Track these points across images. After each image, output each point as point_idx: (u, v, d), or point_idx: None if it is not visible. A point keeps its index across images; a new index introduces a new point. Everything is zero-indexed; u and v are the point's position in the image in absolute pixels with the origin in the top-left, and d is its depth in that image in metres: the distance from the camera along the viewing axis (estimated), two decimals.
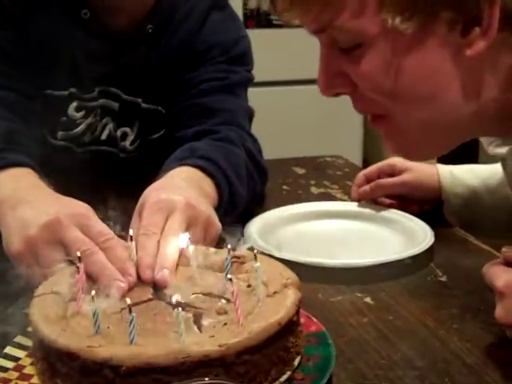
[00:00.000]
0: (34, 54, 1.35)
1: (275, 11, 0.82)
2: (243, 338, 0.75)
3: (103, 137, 1.46)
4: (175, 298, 0.82)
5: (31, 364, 0.82)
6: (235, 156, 1.27)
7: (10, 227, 1.00)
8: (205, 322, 0.81)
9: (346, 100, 0.91)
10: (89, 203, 1.01)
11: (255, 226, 1.25)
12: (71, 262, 0.90)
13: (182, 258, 0.93)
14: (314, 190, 1.55)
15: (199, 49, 1.43)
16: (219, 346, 0.73)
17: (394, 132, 0.87)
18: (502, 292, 0.80)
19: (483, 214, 1.28)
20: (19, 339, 0.86)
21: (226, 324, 0.80)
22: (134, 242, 0.94)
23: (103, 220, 0.98)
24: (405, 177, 1.34)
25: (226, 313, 0.82)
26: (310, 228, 1.32)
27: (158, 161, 1.23)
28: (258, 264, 0.86)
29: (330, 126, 2.75)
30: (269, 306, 0.81)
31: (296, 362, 0.82)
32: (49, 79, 1.38)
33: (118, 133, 1.46)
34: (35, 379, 0.79)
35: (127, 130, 1.47)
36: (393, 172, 1.35)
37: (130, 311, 0.75)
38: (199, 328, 0.80)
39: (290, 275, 0.88)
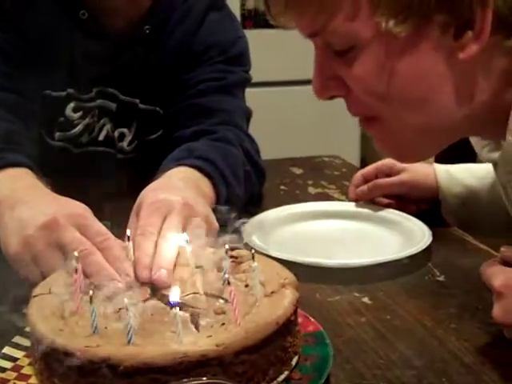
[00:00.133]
0: (32, 54, 1.35)
1: (270, 14, 0.82)
2: (241, 337, 0.75)
3: (101, 137, 1.46)
4: (173, 298, 0.82)
5: (29, 364, 0.82)
6: (233, 156, 1.28)
7: (7, 227, 0.99)
8: (202, 321, 0.81)
9: (343, 100, 0.91)
10: (86, 203, 1.01)
11: (253, 226, 1.25)
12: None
13: (180, 258, 0.93)
14: (311, 190, 1.55)
15: (197, 49, 1.43)
16: (217, 345, 0.73)
17: (386, 134, 0.87)
18: (500, 291, 0.80)
19: (481, 213, 1.28)
20: (17, 339, 0.87)
21: (223, 324, 0.80)
22: (131, 242, 0.94)
23: (100, 220, 0.98)
24: (402, 177, 1.34)
25: (223, 313, 0.82)
26: (307, 228, 1.32)
27: (155, 161, 1.23)
28: (256, 264, 0.86)
29: (328, 126, 2.75)
30: (266, 306, 0.81)
31: (294, 362, 0.82)
32: (47, 80, 1.37)
33: (116, 133, 1.46)
34: (33, 379, 0.79)
35: (125, 130, 1.47)
36: (390, 172, 1.35)
37: (128, 311, 0.75)
38: (197, 328, 0.80)
39: (287, 275, 0.88)
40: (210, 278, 0.89)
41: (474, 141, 0.98)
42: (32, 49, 1.35)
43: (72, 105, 1.41)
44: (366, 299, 1.03)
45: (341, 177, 1.64)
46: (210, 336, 0.76)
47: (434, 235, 1.20)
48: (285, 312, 0.80)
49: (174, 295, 0.79)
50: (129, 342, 0.75)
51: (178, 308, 0.76)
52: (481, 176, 1.27)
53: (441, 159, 1.32)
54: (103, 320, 0.80)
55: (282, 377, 0.79)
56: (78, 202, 1.01)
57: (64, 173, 1.31)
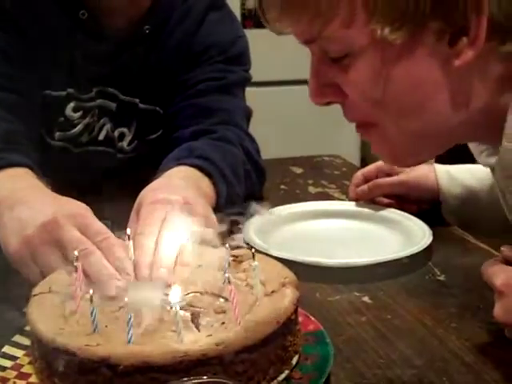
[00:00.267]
0: (32, 54, 1.35)
1: (265, 20, 0.82)
2: (241, 336, 0.75)
3: (101, 137, 1.46)
4: (173, 297, 0.82)
5: (29, 363, 0.82)
6: (233, 156, 1.28)
7: (7, 227, 0.99)
8: (202, 320, 0.80)
9: None
10: (86, 203, 1.01)
11: (253, 225, 1.25)
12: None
13: (180, 257, 0.93)
14: (311, 189, 1.55)
15: (197, 49, 1.43)
16: (217, 344, 0.73)
17: (382, 140, 0.87)
18: (501, 291, 0.80)
19: (481, 213, 1.29)
20: (17, 338, 0.87)
21: (223, 323, 0.79)
22: (131, 242, 0.94)
23: (100, 220, 0.98)
24: (403, 176, 1.34)
25: (223, 312, 0.82)
26: (307, 227, 1.32)
27: (155, 161, 1.23)
28: (256, 263, 0.86)
29: (328, 126, 2.74)
30: (267, 305, 0.81)
31: (294, 361, 0.82)
32: (47, 80, 1.37)
33: (116, 133, 1.46)
34: (33, 378, 0.79)
35: (125, 130, 1.46)
36: (391, 171, 1.35)
37: (128, 310, 0.75)
38: (197, 327, 0.79)
39: (287, 274, 0.88)
40: (210, 277, 0.89)
41: (472, 146, 0.98)
42: (32, 49, 1.35)
43: (72, 104, 1.41)
44: (366, 298, 1.03)
45: (341, 176, 1.64)
46: (210, 335, 0.76)
47: (434, 235, 1.20)
48: (285, 311, 0.80)
49: (175, 294, 0.79)
50: (129, 341, 0.75)
51: (178, 307, 0.76)
52: (481, 177, 1.27)
53: (441, 159, 1.32)
54: (103, 319, 0.80)
55: (283, 376, 0.79)
56: (78, 202, 1.01)
57: (64, 172, 1.31)
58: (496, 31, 0.77)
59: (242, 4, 3.02)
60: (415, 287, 1.07)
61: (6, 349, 0.85)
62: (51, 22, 1.36)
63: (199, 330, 0.79)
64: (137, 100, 1.44)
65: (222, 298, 0.85)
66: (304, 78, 0.86)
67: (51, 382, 0.77)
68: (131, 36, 1.40)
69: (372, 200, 1.37)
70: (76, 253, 0.87)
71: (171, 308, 0.77)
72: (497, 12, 0.76)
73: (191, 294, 0.87)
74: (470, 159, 1.07)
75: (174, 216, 0.98)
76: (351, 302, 1.02)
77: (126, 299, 0.77)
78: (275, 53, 2.67)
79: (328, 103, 0.87)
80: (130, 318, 0.75)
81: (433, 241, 1.18)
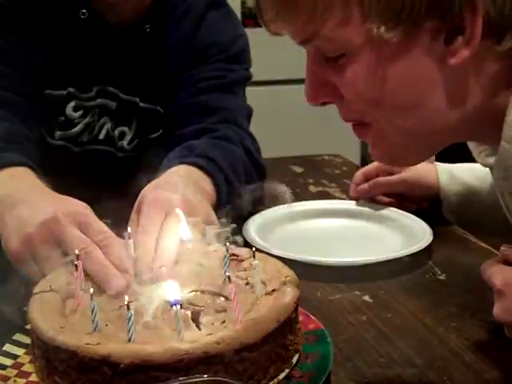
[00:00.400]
0: (32, 53, 1.35)
1: (262, 21, 0.82)
2: (242, 335, 0.75)
3: (101, 136, 1.45)
4: (173, 296, 0.82)
5: (30, 361, 0.82)
6: (233, 154, 1.27)
7: (8, 226, 0.99)
8: (203, 319, 0.81)
9: None
10: (87, 202, 1.01)
11: (254, 224, 1.25)
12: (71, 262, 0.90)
13: (181, 256, 0.93)
14: (312, 188, 1.55)
15: (197, 48, 1.43)
16: (217, 343, 0.73)
17: (379, 139, 0.87)
18: (501, 290, 0.80)
19: (481, 212, 1.28)
20: (18, 337, 0.87)
21: (224, 322, 0.80)
22: (132, 240, 0.94)
23: (101, 218, 0.98)
24: (403, 175, 1.34)
25: (224, 310, 0.82)
26: (308, 226, 1.32)
27: (156, 160, 1.23)
28: (257, 262, 0.86)
29: (328, 125, 2.74)
30: (267, 304, 0.81)
31: (294, 360, 0.82)
32: (47, 79, 1.37)
33: (116, 132, 1.46)
34: (34, 377, 0.80)
35: (125, 129, 1.46)
36: (391, 170, 1.35)
37: (129, 309, 0.75)
38: (197, 325, 0.80)
39: (288, 273, 0.88)
40: (210, 276, 0.89)
41: (472, 145, 0.98)
42: (32, 48, 1.35)
43: (72, 104, 1.41)
44: (366, 297, 1.03)
45: (341, 175, 1.64)
46: (211, 334, 0.76)
47: (434, 234, 1.20)
48: (286, 310, 0.81)
49: (175, 293, 0.79)
50: (129, 339, 0.75)
51: (178, 306, 0.76)
52: (481, 176, 1.27)
53: (441, 158, 1.32)
54: (104, 317, 0.80)
55: (283, 375, 0.79)
56: (78, 201, 1.01)
57: (64, 172, 1.31)
58: (492, 30, 0.77)
59: (243, 3, 3.02)
60: (416, 286, 1.07)
61: (7, 347, 0.85)
62: (51, 22, 1.36)
63: (200, 329, 0.79)
64: (137, 99, 1.44)
65: (223, 296, 0.85)
66: (304, 78, 0.86)
67: (51, 381, 0.77)
68: (131, 35, 1.40)
69: (372, 199, 1.37)
70: (76, 251, 0.88)
71: (172, 307, 0.77)
72: (492, 11, 0.76)
73: (192, 293, 0.87)
74: (471, 158, 1.07)
75: (175, 215, 0.98)
76: (352, 300, 1.02)
77: (126, 298, 0.77)
78: (276, 52, 2.66)
79: (324, 103, 0.87)
80: (130, 317, 0.75)
81: (433, 240, 1.18)
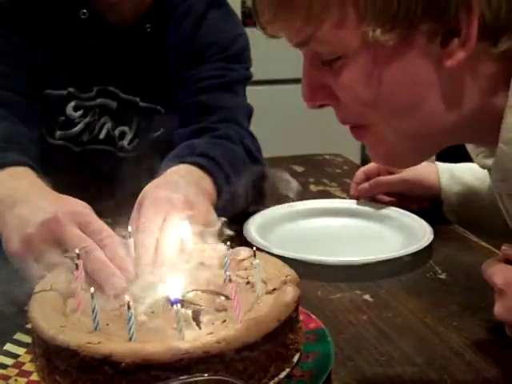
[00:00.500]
0: (32, 53, 1.35)
1: (259, 24, 0.82)
2: (242, 334, 0.75)
3: (101, 136, 1.45)
4: (174, 295, 0.82)
5: (30, 361, 0.82)
6: (234, 154, 1.27)
7: (8, 226, 0.99)
8: (204, 318, 0.81)
9: None
10: (87, 201, 1.01)
11: (254, 223, 1.25)
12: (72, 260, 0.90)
13: (181, 255, 0.93)
14: (312, 187, 1.55)
15: (197, 47, 1.43)
16: (218, 342, 0.73)
17: (376, 141, 0.87)
18: (502, 290, 0.80)
19: (482, 212, 1.28)
20: (19, 336, 0.87)
21: (225, 321, 0.80)
22: (132, 240, 0.94)
23: (101, 218, 0.98)
24: (404, 175, 1.34)
25: (225, 310, 0.82)
26: (309, 225, 1.32)
27: (156, 159, 1.23)
28: (257, 261, 0.86)
29: (329, 125, 2.73)
30: (268, 303, 0.81)
31: (295, 359, 0.82)
32: (47, 79, 1.37)
33: (116, 132, 1.46)
34: (34, 376, 0.80)
35: (125, 128, 1.46)
36: (392, 169, 1.35)
37: (129, 308, 0.75)
38: (198, 325, 0.80)
39: (289, 272, 0.88)
40: (211, 275, 0.89)
41: (470, 147, 0.98)
42: (32, 48, 1.35)
43: (73, 104, 1.41)
44: (367, 297, 1.03)
45: (342, 175, 1.64)
46: (212, 333, 0.76)
47: (435, 233, 1.20)
48: (286, 309, 0.81)
49: (176, 292, 0.79)
50: (130, 338, 0.75)
51: (179, 305, 0.76)
52: (482, 176, 1.27)
53: (442, 158, 1.32)
54: (104, 317, 0.80)
55: (284, 374, 0.79)
56: (78, 200, 1.01)
57: (65, 171, 1.31)
58: (488, 32, 0.77)
59: (243, 2, 3.01)
60: (416, 285, 1.07)
61: (8, 346, 0.85)
62: (52, 21, 1.36)
63: (200, 328, 0.79)
64: (137, 98, 1.44)
65: (223, 296, 0.85)
66: None
67: (52, 380, 0.77)
68: (132, 35, 1.40)
69: (373, 198, 1.38)
70: (77, 251, 0.88)
71: (172, 306, 0.77)
72: (488, 13, 0.76)
73: (192, 292, 0.87)
74: (472, 159, 1.07)
75: (175, 214, 0.98)
76: (352, 300, 1.02)
77: (126, 297, 0.77)
78: (276, 51, 2.65)
79: (321, 106, 0.87)
80: (130, 316, 0.75)
81: (434, 239, 1.18)
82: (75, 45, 1.38)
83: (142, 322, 0.79)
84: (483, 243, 1.21)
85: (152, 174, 1.12)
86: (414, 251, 1.14)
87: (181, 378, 0.65)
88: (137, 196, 1.04)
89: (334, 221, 1.33)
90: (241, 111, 1.42)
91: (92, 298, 0.78)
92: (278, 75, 3.03)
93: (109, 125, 1.45)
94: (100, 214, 0.99)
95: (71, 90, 1.40)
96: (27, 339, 0.85)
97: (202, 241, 0.97)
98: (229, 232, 0.98)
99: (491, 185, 0.97)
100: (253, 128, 1.46)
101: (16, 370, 0.81)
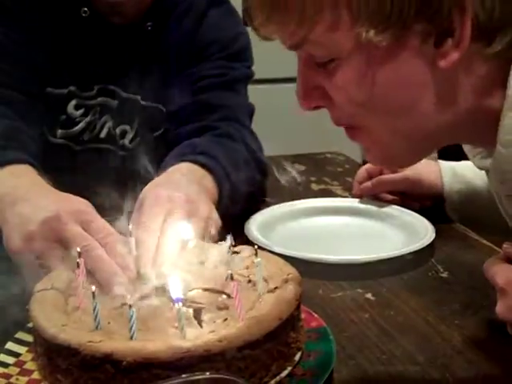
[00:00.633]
0: (33, 52, 1.35)
1: (252, 26, 0.82)
2: (244, 333, 0.75)
3: (102, 135, 1.45)
4: (175, 294, 0.82)
5: (32, 359, 0.82)
6: (235, 152, 1.27)
7: (9, 224, 0.99)
8: (205, 317, 0.81)
9: None
10: (88, 200, 1.01)
11: (256, 222, 1.25)
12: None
13: (182, 254, 0.93)
14: (314, 186, 1.55)
15: (198, 45, 1.43)
16: (220, 341, 0.73)
17: (371, 142, 0.87)
18: (503, 289, 0.80)
19: (484, 211, 1.28)
20: (20, 335, 0.87)
21: (226, 319, 0.80)
22: (133, 238, 0.94)
23: (103, 216, 0.98)
24: (406, 173, 1.34)
25: (226, 308, 0.82)
26: (310, 224, 1.32)
27: (157, 158, 1.23)
28: (259, 259, 0.86)
29: (330, 123, 2.74)
30: (269, 302, 0.81)
31: (297, 358, 0.81)
32: (48, 77, 1.37)
33: (118, 131, 1.46)
34: (36, 375, 0.80)
35: (126, 127, 1.46)
36: (394, 168, 1.35)
37: (130, 306, 0.75)
38: (199, 323, 0.80)
39: (290, 271, 0.88)
40: (212, 274, 0.89)
41: (467, 148, 0.98)
42: (33, 46, 1.35)
43: (74, 102, 1.41)
44: (369, 295, 1.03)
45: (344, 173, 1.64)
46: (213, 331, 0.76)
47: (437, 231, 1.19)
48: (288, 307, 0.80)
49: (177, 291, 0.79)
50: (131, 337, 0.75)
51: (180, 303, 0.76)
52: (483, 174, 1.27)
53: (444, 156, 1.32)
54: (106, 315, 0.80)
55: (285, 372, 0.79)
56: (80, 198, 1.01)
57: (65, 170, 1.31)
58: (481, 32, 0.76)
59: (244, 0, 3.01)
60: (418, 284, 1.07)
61: (9, 345, 0.85)
62: (53, 20, 1.36)
63: (202, 327, 0.79)
64: (138, 97, 1.44)
65: (225, 294, 0.85)
66: None
67: (54, 379, 0.77)
68: (133, 33, 1.40)
69: (375, 196, 1.37)
70: (78, 249, 0.87)
71: (174, 304, 0.77)
72: (481, 14, 0.75)
73: (194, 291, 0.87)
74: None
75: (177, 213, 0.98)
76: (354, 298, 1.02)
77: (128, 296, 0.77)
78: (277, 50, 2.65)
79: (315, 108, 0.87)
80: (132, 315, 0.75)
81: (436, 238, 1.18)
82: (76, 43, 1.37)
83: (144, 320, 0.79)
84: (485, 241, 1.21)
85: (153, 173, 1.12)
86: (415, 250, 1.14)
87: (182, 376, 0.65)
88: (138, 194, 1.04)
89: (336, 219, 1.33)
90: (242, 110, 1.42)
91: (93, 296, 0.78)
92: (279, 74, 3.02)
93: (110, 124, 1.45)
94: (101, 213, 0.99)
95: (72, 88, 1.40)
96: (28, 338, 0.85)
97: (203, 239, 0.97)
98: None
99: (489, 186, 0.97)
100: (254, 127, 1.46)
101: (17, 369, 0.81)
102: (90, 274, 0.88)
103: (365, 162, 1.50)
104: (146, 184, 1.06)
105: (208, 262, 0.92)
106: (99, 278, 0.88)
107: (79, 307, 0.83)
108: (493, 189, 0.92)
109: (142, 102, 1.44)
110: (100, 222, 0.96)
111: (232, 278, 0.81)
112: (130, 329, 0.75)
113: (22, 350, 0.84)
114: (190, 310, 0.81)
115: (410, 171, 1.33)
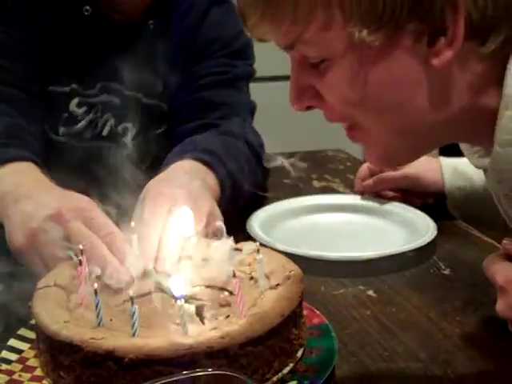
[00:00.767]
0: (35, 49, 1.35)
1: (246, 26, 0.82)
2: (246, 329, 0.75)
3: (104, 132, 1.45)
4: (177, 291, 0.82)
5: (34, 356, 0.82)
6: (237, 149, 1.28)
7: (12, 221, 1.00)
8: (207, 313, 0.81)
9: None
10: (90, 198, 1.01)
11: (257, 219, 1.25)
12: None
13: (184, 251, 0.93)
14: (315, 183, 1.55)
15: (200, 43, 1.43)
16: (222, 337, 0.73)
17: (368, 140, 0.87)
18: (503, 287, 0.80)
19: (485, 207, 1.28)
20: (22, 332, 0.87)
21: (228, 316, 0.80)
22: (136, 235, 0.94)
23: (105, 214, 0.98)
24: (407, 170, 1.34)
25: (228, 305, 0.82)
26: (312, 221, 1.32)
27: (160, 156, 1.23)
28: (261, 256, 0.86)
29: None
30: (271, 298, 0.81)
31: (299, 354, 0.82)
32: (50, 75, 1.37)
33: (119, 128, 1.46)
34: (38, 371, 0.80)
35: (128, 125, 1.46)
36: None
37: (133, 303, 0.75)
38: (202, 320, 0.80)
39: (292, 268, 0.88)
40: (214, 271, 0.89)
41: (464, 147, 0.98)
42: (35, 44, 1.35)
43: (76, 100, 1.41)
44: (370, 292, 1.03)
45: (345, 170, 1.64)
46: (215, 328, 0.76)
47: (438, 228, 1.19)
48: (290, 304, 0.80)
49: (179, 288, 0.79)
50: (134, 334, 0.75)
51: (182, 300, 0.76)
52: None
53: (445, 152, 1.32)
54: (108, 312, 0.80)
55: (288, 369, 0.79)
56: (82, 196, 1.02)
57: (68, 167, 1.31)
58: (475, 31, 0.76)
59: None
60: (420, 281, 1.07)
61: (12, 342, 0.85)
62: (55, 18, 1.36)
63: (204, 323, 0.79)
64: (140, 95, 1.44)
65: (227, 291, 0.86)
66: None
67: (56, 376, 0.77)
68: (135, 31, 1.40)
69: (377, 193, 1.37)
70: (80, 246, 0.88)
71: (176, 301, 0.77)
72: (474, 12, 0.75)
73: (196, 287, 0.87)
74: None
75: (179, 209, 0.98)
76: (356, 295, 1.02)
77: (130, 292, 0.77)
78: (279, 48, 2.65)
79: (308, 108, 0.87)
80: (134, 312, 0.75)
81: (437, 235, 1.18)
82: (78, 41, 1.37)
83: (146, 317, 0.79)
84: (487, 239, 1.21)
85: (155, 170, 1.12)
86: (417, 247, 1.14)
87: (184, 373, 0.65)
88: (140, 191, 1.04)
89: (337, 216, 1.33)
90: (244, 107, 1.42)
91: (95, 293, 0.78)
92: (280, 72, 3.02)
93: (112, 121, 1.45)
94: (103, 210, 0.99)
95: (74, 86, 1.40)
96: (31, 335, 0.85)
97: (204, 236, 0.97)
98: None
99: (488, 184, 0.97)
100: (255, 124, 1.46)
101: (20, 366, 0.81)
102: (93, 270, 0.88)
103: (366, 159, 1.50)
104: (147, 181, 1.06)
105: (210, 259, 0.92)
106: (101, 275, 0.88)
107: (81, 304, 0.83)
108: (491, 188, 0.91)
109: (144, 100, 1.44)
110: (102, 219, 0.97)
111: (234, 275, 0.81)
112: (133, 325, 0.75)
113: (24, 346, 0.85)
114: (192, 307, 0.82)
115: (411, 169, 1.33)
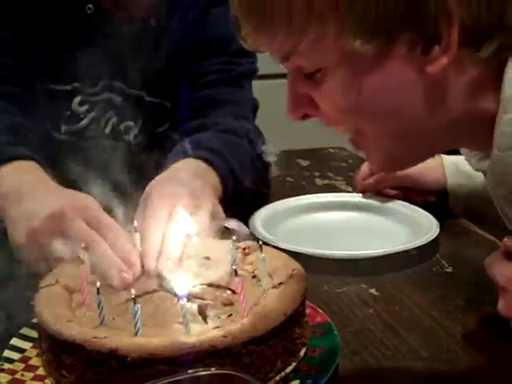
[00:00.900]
0: (37, 48, 1.35)
1: (240, 37, 0.82)
2: (248, 328, 0.75)
3: (107, 131, 1.45)
4: (180, 290, 0.82)
5: (37, 355, 0.82)
6: (239, 148, 1.27)
7: (14, 219, 1.00)
8: (210, 312, 0.81)
9: None
10: (93, 196, 1.01)
11: (260, 217, 1.25)
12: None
13: (187, 249, 0.93)
14: (318, 181, 1.55)
15: (202, 41, 1.42)
16: (224, 336, 0.73)
17: (370, 148, 0.87)
18: (504, 287, 0.80)
19: (487, 206, 1.28)
20: (25, 331, 0.87)
21: (231, 315, 0.80)
22: (138, 234, 0.94)
23: (107, 212, 0.98)
24: (409, 169, 1.33)
25: (231, 304, 0.82)
26: (314, 219, 1.32)
27: (162, 154, 1.23)
28: (263, 255, 0.86)
29: None
30: (274, 297, 0.81)
31: (302, 353, 0.81)
32: (53, 74, 1.37)
33: (122, 127, 1.46)
34: (41, 370, 0.80)
35: (131, 123, 1.46)
36: None
37: (135, 302, 0.75)
38: (204, 319, 0.80)
39: (295, 266, 0.88)
40: (217, 270, 0.89)
41: (464, 152, 0.98)
42: (37, 42, 1.35)
43: (78, 98, 1.41)
44: (373, 290, 1.03)
45: (347, 168, 1.64)
46: (218, 327, 0.76)
47: (441, 226, 1.19)
48: (293, 303, 0.80)
49: (182, 287, 0.79)
50: (136, 333, 0.75)
51: (185, 299, 0.76)
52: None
53: (446, 152, 1.31)
54: (110, 311, 0.80)
55: (290, 368, 0.79)
56: (84, 194, 1.01)
57: (70, 166, 1.31)
58: (469, 38, 0.76)
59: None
60: (422, 279, 1.07)
61: (14, 341, 0.85)
62: (57, 16, 1.36)
63: (206, 322, 0.79)
64: (143, 93, 1.44)
65: (230, 290, 0.85)
66: None
67: (58, 375, 0.77)
68: (137, 29, 1.39)
69: (379, 192, 1.37)
70: (83, 245, 0.88)
71: (178, 300, 0.77)
72: (467, 19, 0.75)
73: (198, 286, 0.87)
74: None
75: (181, 208, 0.98)
76: (358, 294, 1.02)
77: (132, 291, 0.77)
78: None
79: (304, 117, 0.87)
80: (136, 311, 0.75)
81: (440, 233, 1.18)
82: (80, 39, 1.37)
83: (148, 316, 0.79)
84: (489, 237, 1.21)
85: (157, 169, 1.12)
86: (420, 245, 1.13)
87: (187, 372, 0.65)
88: (143, 190, 1.04)
89: (340, 214, 1.33)
90: (246, 105, 1.42)
91: (98, 292, 0.78)
92: (283, 69, 3.03)
93: (114, 120, 1.45)
94: (106, 209, 0.99)
95: (76, 85, 1.40)
96: (33, 334, 0.85)
97: (207, 235, 0.97)
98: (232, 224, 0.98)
99: (487, 186, 0.97)
100: (258, 122, 1.46)
101: (22, 365, 0.81)
102: (95, 269, 0.88)
103: None
104: (150, 180, 1.06)
105: (212, 258, 0.92)
106: (104, 273, 0.89)
107: (84, 303, 0.83)
108: (490, 190, 0.91)
109: (147, 98, 1.44)
110: (105, 217, 0.97)
111: (236, 274, 0.81)
112: (135, 324, 0.75)
113: (26, 345, 0.84)
114: (195, 306, 0.81)
115: (412, 167, 1.32)
